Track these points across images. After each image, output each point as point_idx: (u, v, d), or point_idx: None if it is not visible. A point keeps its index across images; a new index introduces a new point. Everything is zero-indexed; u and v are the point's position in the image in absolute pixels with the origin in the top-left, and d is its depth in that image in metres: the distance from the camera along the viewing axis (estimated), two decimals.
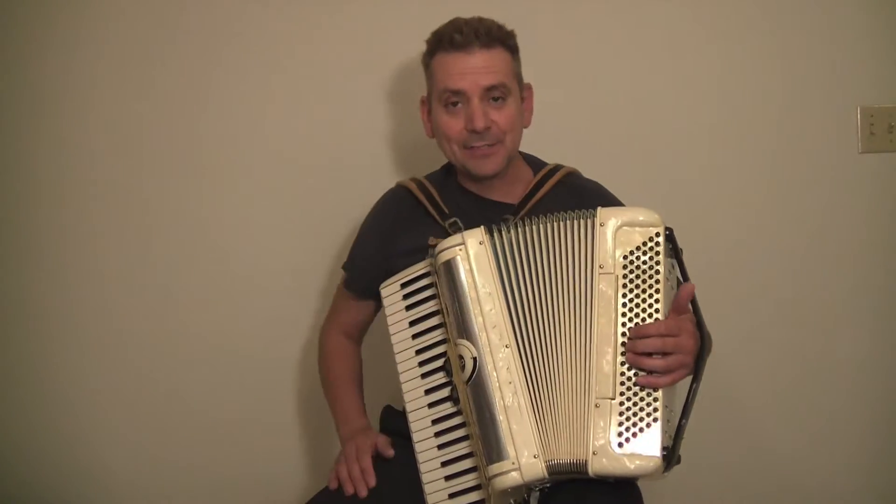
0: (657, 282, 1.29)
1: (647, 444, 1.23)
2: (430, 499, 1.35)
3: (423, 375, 1.41)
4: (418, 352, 1.42)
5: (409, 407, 1.41)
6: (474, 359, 1.31)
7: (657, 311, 1.28)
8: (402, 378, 1.43)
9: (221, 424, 2.01)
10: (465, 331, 1.33)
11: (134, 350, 2.01)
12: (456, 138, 1.55)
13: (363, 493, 1.40)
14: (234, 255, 2.01)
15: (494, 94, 1.52)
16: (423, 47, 1.59)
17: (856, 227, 2.02)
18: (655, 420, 1.24)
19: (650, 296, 1.29)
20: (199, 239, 2.01)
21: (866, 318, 2.03)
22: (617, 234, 1.32)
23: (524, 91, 1.61)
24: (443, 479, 1.35)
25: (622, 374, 1.27)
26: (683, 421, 1.29)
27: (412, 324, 1.44)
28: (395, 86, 1.94)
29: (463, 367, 1.32)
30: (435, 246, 1.49)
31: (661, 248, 1.30)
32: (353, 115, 1.99)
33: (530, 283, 1.34)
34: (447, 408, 1.37)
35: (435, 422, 1.38)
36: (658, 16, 2.00)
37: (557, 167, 1.66)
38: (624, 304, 1.29)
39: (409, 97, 1.83)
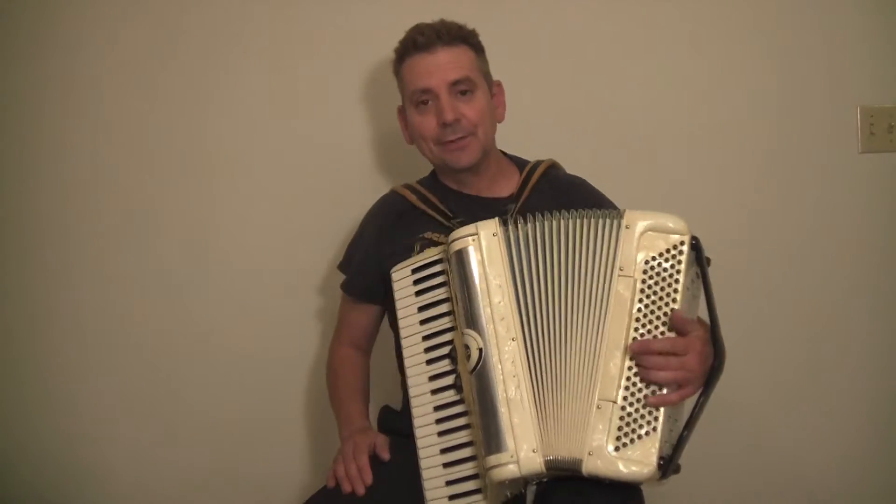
0: (675, 290, 1.27)
1: (644, 451, 1.22)
2: (427, 485, 1.35)
3: (429, 362, 1.41)
4: (425, 338, 1.42)
5: (412, 392, 1.41)
6: (480, 349, 1.31)
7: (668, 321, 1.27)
8: (408, 363, 1.43)
9: (223, 424, 2.01)
10: (472, 321, 1.33)
11: (135, 350, 2.01)
12: (430, 136, 1.59)
13: (361, 491, 1.40)
14: (235, 255, 2.01)
15: (461, 88, 1.57)
16: None
17: (856, 227, 2.02)
18: (655, 429, 1.23)
19: (666, 304, 1.27)
20: (201, 239, 2.01)
21: (865, 317, 2.03)
22: (642, 237, 1.30)
23: (493, 87, 1.66)
24: (441, 467, 1.35)
25: (628, 378, 1.26)
26: (686, 432, 1.27)
27: (421, 309, 1.44)
28: (395, 87, 1.95)
29: (468, 357, 1.32)
30: (426, 238, 1.54)
31: (684, 257, 1.28)
32: (355, 116, 2.00)
33: (543, 277, 1.34)
34: (450, 395, 1.37)
35: (437, 408, 1.38)
36: (657, 16, 2.01)
37: (539, 161, 1.70)
38: (639, 310, 1.28)
39: None
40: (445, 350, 1.39)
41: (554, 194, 1.62)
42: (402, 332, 1.45)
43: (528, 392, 1.29)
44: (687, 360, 1.26)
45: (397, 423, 1.56)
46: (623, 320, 1.28)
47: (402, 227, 1.63)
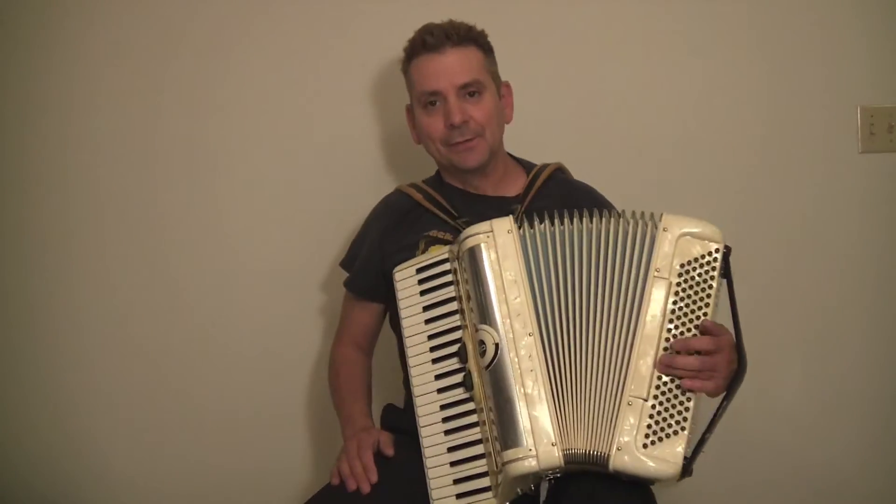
0: (708, 296, 1.30)
1: (672, 450, 1.24)
2: (433, 483, 1.35)
3: (435, 360, 1.41)
4: (430, 337, 1.42)
5: (416, 391, 1.41)
6: (496, 345, 1.31)
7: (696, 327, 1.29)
8: (412, 363, 1.43)
9: (224, 422, 2.00)
10: (487, 317, 1.34)
11: (137, 348, 2.01)
12: (438, 137, 1.60)
13: (366, 488, 1.39)
14: (238, 253, 2.01)
15: (470, 90, 1.57)
16: None
17: (855, 227, 2.03)
18: (683, 428, 1.25)
19: (699, 308, 1.30)
20: (202, 237, 2.01)
21: (865, 317, 2.04)
22: (678, 241, 1.33)
23: (502, 88, 1.66)
24: (448, 465, 1.35)
25: (658, 377, 1.28)
26: (707, 434, 1.31)
27: (426, 309, 1.44)
28: (401, 86, 1.95)
29: (483, 353, 1.32)
30: (431, 236, 1.55)
31: (717, 265, 1.32)
32: (359, 114, 2.00)
33: (563, 275, 1.35)
34: (458, 394, 1.37)
35: (444, 407, 1.38)
36: (657, 16, 2.01)
37: (546, 164, 1.71)
38: (672, 311, 1.30)
39: None
40: (452, 349, 1.39)
41: (560, 196, 1.62)
42: (406, 332, 1.45)
43: (545, 387, 1.29)
44: (717, 363, 1.29)
45: (400, 421, 1.56)
46: (657, 321, 1.30)
47: (407, 226, 1.64)
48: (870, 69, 2.00)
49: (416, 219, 1.64)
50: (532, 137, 1.83)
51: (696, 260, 1.32)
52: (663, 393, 1.27)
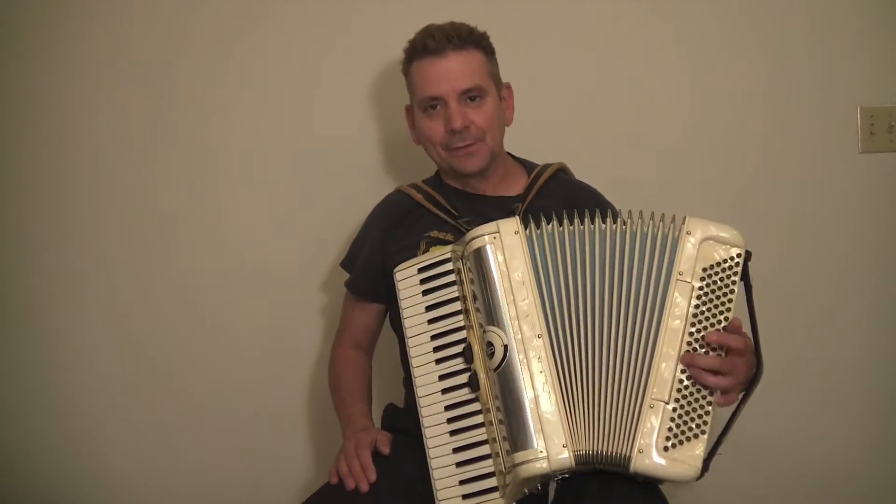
0: (730, 300, 1.31)
1: (692, 453, 1.25)
2: (438, 484, 1.34)
3: (438, 361, 1.40)
4: (434, 337, 1.41)
5: (420, 392, 1.40)
6: (505, 346, 1.31)
7: (724, 329, 1.30)
8: (415, 363, 1.42)
9: (224, 422, 2.01)
10: (495, 318, 1.33)
11: (137, 348, 2.01)
12: (438, 141, 1.59)
13: (364, 487, 1.39)
14: (239, 254, 2.01)
15: (471, 95, 1.57)
16: None
17: (855, 227, 2.03)
18: (703, 432, 1.26)
19: (721, 312, 1.30)
20: (203, 238, 2.01)
21: (864, 316, 2.05)
22: (701, 245, 1.33)
23: (503, 90, 1.65)
24: (454, 466, 1.34)
25: (680, 381, 1.28)
26: (723, 436, 1.33)
27: (429, 309, 1.43)
28: (401, 86, 1.95)
29: (492, 355, 1.32)
30: (432, 236, 1.54)
31: (738, 269, 1.32)
32: (360, 114, 2.00)
33: (573, 276, 1.35)
34: (463, 394, 1.36)
35: (448, 407, 1.37)
36: (656, 16, 2.01)
37: (548, 165, 1.70)
38: (694, 315, 1.30)
39: None
40: (456, 349, 1.38)
41: (562, 196, 1.62)
42: (408, 332, 1.44)
43: (555, 389, 1.29)
44: (737, 366, 1.30)
45: (402, 422, 1.55)
46: (680, 324, 1.30)
47: (407, 226, 1.64)
48: (870, 69, 2.01)
49: (417, 219, 1.64)
50: (533, 137, 1.83)
51: (718, 264, 1.32)
52: (684, 396, 1.27)
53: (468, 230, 1.41)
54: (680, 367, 1.28)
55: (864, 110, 2.01)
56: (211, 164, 2.00)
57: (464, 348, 1.37)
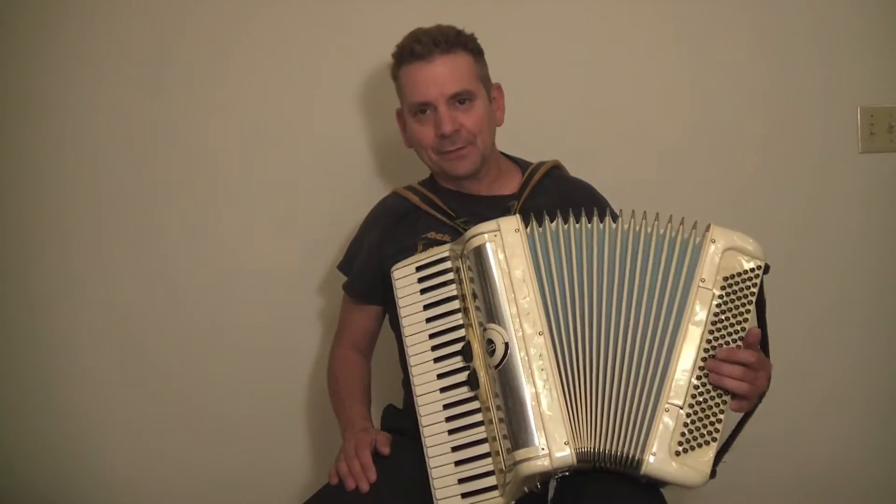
0: (748, 311, 1.31)
1: (703, 459, 1.25)
2: (437, 483, 1.33)
3: (437, 360, 1.40)
4: (432, 336, 1.41)
5: (418, 391, 1.40)
6: (506, 344, 1.31)
7: (742, 339, 1.30)
8: (412, 361, 1.42)
9: (224, 422, 2.01)
10: (496, 316, 1.33)
11: (136, 349, 2.01)
12: (429, 145, 1.60)
13: (365, 487, 1.38)
14: (237, 255, 2.01)
15: (460, 98, 1.56)
16: None
17: (855, 227, 2.03)
18: (714, 439, 1.26)
19: (738, 322, 1.31)
20: (202, 238, 2.01)
21: (864, 317, 2.04)
22: (724, 254, 1.33)
23: (493, 91, 1.65)
24: (452, 465, 1.34)
25: (696, 387, 1.28)
26: (730, 442, 1.35)
27: (427, 307, 1.43)
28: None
29: (492, 353, 1.31)
30: (429, 238, 1.54)
31: (758, 281, 1.33)
32: (357, 116, 2.00)
33: (578, 275, 1.35)
34: (461, 393, 1.36)
35: (447, 406, 1.37)
36: (656, 16, 2.01)
37: (543, 162, 1.70)
38: (713, 323, 1.31)
39: None
40: (454, 348, 1.38)
41: (558, 193, 1.63)
42: (406, 332, 1.44)
43: (556, 386, 1.29)
44: (759, 377, 1.31)
45: (401, 422, 1.55)
46: (698, 331, 1.30)
47: (405, 228, 1.64)
48: (870, 69, 2.01)
49: (414, 221, 1.64)
50: (531, 136, 1.83)
51: (738, 275, 1.32)
52: (699, 402, 1.28)
53: (465, 230, 1.41)
54: (696, 373, 1.29)
55: (864, 110, 2.01)
56: (210, 165, 2.00)
57: (462, 346, 1.37)
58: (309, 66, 2.00)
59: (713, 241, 1.34)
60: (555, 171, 1.70)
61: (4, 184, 2.01)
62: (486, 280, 1.35)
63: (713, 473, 1.27)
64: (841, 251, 2.03)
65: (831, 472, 2.03)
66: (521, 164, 1.72)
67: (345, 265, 1.75)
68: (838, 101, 2.01)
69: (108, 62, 1.99)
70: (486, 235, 1.36)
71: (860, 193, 2.02)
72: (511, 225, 1.37)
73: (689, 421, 1.26)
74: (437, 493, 1.33)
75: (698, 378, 1.28)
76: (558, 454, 1.25)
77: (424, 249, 1.56)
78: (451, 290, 1.41)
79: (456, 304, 1.40)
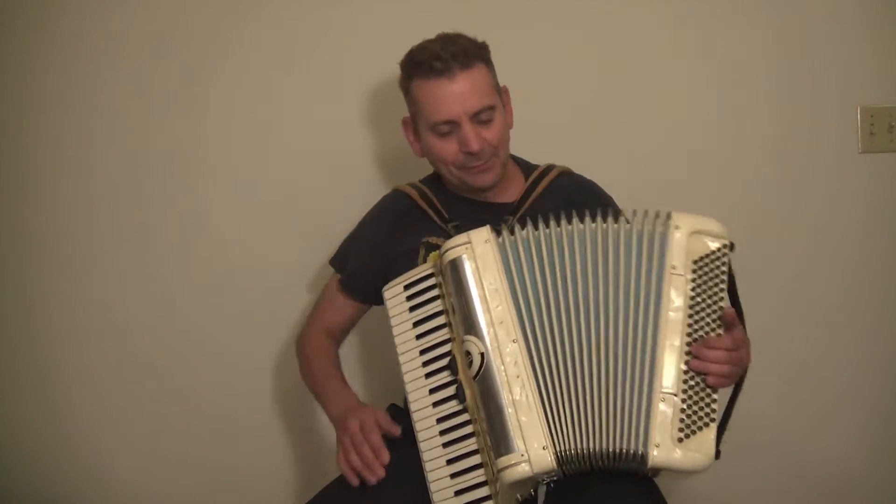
0: (722, 290, 1.34)
1: (706, 442, 1.26)
2: (435, 497, 1.34)
3: (428, 375, 1.40)
4: (422, 352, 1.42)
5: (413, 406, 1.41)
6: (482, 354, 1.32)
7: (720, 318, 1.32)
8: (406, 378, 1.42)
9: (220, 422, 2.01)
10: (471, 327, 1.34)
11: (131, 349, 2.01)
12: (451, 161, 1.58)
13: (381, 473, 1.39)
14: (230, 255, 2.00)
15: (483, 113, 1.54)
16: None
17: (855, 228, 2.03)
18: (713, 420, 1.27)
19: (715, 303, 1.33)
20: (196, 239, 2.01)
21: (865, 317, 2.04)
22: (689, 239, 1.35)
23: (503, 97, 1.64)
24: (448, 477, 1.35)
25: (685, 371, 1.29)
26: (727, 421, 1.36)
27: (416, 324, 1.44)
28: (393, 88, 1.95)
29: (470, 364, 1.32)
30: (430, 242, 1.54)
31: (727, 260, 1.35)
32: (351, 115, 2.00)
33: (552, 279, 1.35)
34: (452, 406, 1.37)
35: (440, 420, 1.37)
36: (656, 16, 2.00)
37: (550, 167, 1.69)
38: (691, 307, 1.32)
39: None
40: (444, 362, 1.39)
41: (565, 197, 1.61)
42: (399, 349, 1.45)
43: (533, 392, 1.29)
44: (742, 355, 1.33)
45: (406, 422, 1.54)
46: (678, 316, 1.31)
47: (405, 228, 1.63)
48: (870, 69, 2.00)
49: (414, 221, 1.63)
50: (538, 139, 1.81)
51: (707, 256, 1.34)
52: (691, 387, 1.29)
53: (454, 235, 1.43)
54: (683, 359, 1.29)
55: (864, 110, 2.00)
56: (206, 164, 2.00)
57: (449, 360, 1.38)
58: (306, 65, 1.99)
59: (677, 228, 1.35)
60: (561, 178, 1.68)
61: (0, 183, 2.00)
62: (462, 292, 1.36)
63: (717, 454, 1.28)
64: (841, 251, 2.03)
65: (834, 473, 2.03)
66: (524, 168, 1.70)
67: (338, 261, 1.75)
68: (838, 101, 2.00)
69: (105, 60, 1.98)
70: (459, 248, 1.38)
71: (860, 193, 2.02)
72: (481, 237, 1.38)
73: (685, 406, 1.27)
74: None
75: (686, 363, 1.29)
76: (538, 459, 1.26)
77: (427, 254, 1.56)
78: (438, 305, 1.42)
79: (443, 319, 1.41)
